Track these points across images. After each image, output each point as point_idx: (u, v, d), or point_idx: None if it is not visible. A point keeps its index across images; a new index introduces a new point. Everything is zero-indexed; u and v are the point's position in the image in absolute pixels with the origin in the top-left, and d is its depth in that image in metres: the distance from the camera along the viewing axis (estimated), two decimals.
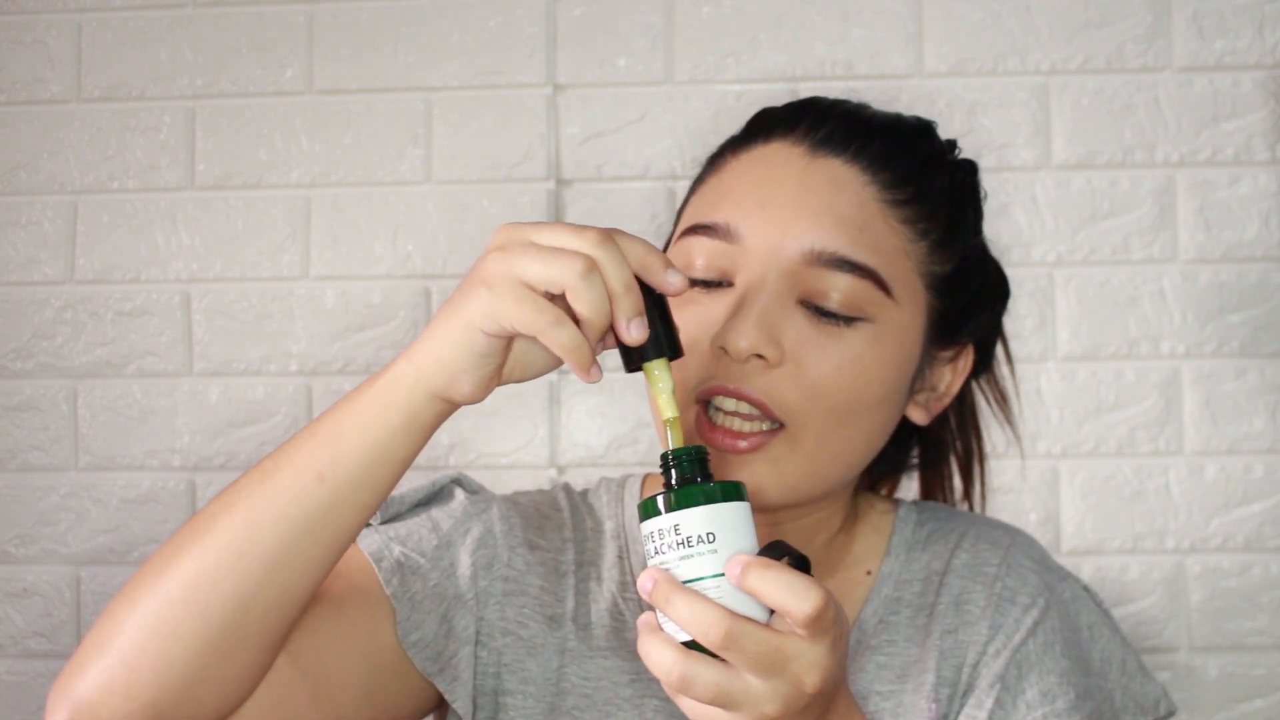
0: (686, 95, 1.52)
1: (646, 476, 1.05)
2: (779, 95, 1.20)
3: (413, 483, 0.98)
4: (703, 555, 0.73)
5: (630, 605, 0.97)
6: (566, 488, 1.05)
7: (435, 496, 1.00)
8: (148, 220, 1.55)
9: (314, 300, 1.53)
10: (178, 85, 1.55)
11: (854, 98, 1.01)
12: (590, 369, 0.76)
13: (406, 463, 0.80)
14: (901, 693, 0.94)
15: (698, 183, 1.00)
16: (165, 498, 1.53)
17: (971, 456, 1.12)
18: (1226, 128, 1.48)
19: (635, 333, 0.75)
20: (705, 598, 0.72)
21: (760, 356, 0.87)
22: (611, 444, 1.52)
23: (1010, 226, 1.49)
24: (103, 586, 1.52)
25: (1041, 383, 1.49)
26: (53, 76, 1.56)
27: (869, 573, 1.00)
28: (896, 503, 1.05)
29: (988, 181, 1.04)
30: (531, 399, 1.51)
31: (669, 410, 0.78)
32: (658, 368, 0.78)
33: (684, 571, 0.73)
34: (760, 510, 0.85)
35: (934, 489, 1.14)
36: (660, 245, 0.97)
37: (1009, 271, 1.09)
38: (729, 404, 0.89)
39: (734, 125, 1.02)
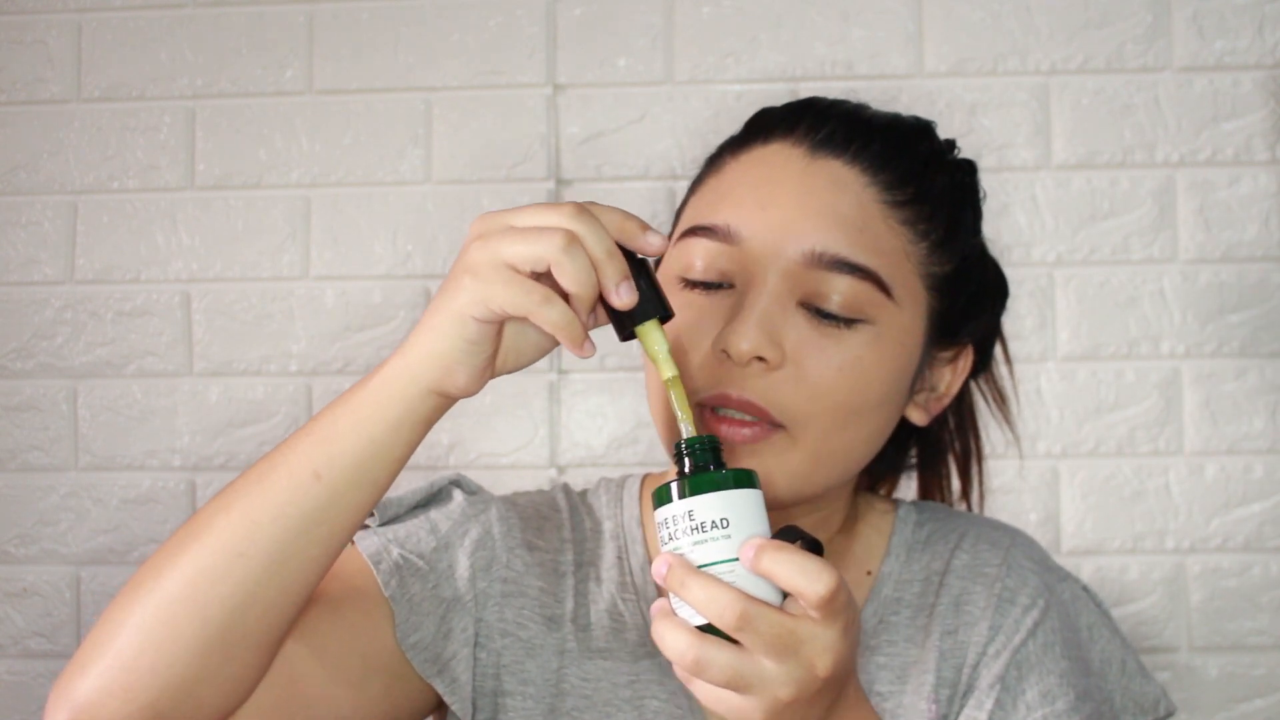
0: (686, 95, 1.52)
1: (646, 477, 1.05)
2: (779, 95, 1.20)
3: (411, 483, 0.98)
4: (716, 540, 0.74)
5: (629, 606, 0.97)
6: (565, 488, 1.05)
7: (434, 498, 1.00)
8: (148, 220, 1.55)
9: (314, 300, 1.53)
10: (178, 85, 1.55)
11: (854, 98, 1.01)
12: (584, 344, 0.76)
13: (403, 460, 0.80)
14: (901, 693, 0.94)
15: (697, 183, 1.00)
16: (165, 498, 1.53)
17: (970, 457, 1.12)
18: (1226, 128, 1.48)
19: (625, 296, 0.76)
20: (720, 581, 0.72)
21: (761, 359, 0.87)
22: (611, 444, 1.52)
23: (1010, 226, 1.49)
24: (103, 586, 1.52)
25: (1041, 383, 1.49)
26: (53, 76, 1.56)
27: (869, 573, 1.00)
28: (896, 503, 1.05)
29: (988, 181, 1.04)
30: (531, 399, 1.51)
31: (668, 369, 0.79)
32: (651, 329, 0.79)
33: (698, 556, 0.74)
34: (768, 504, 0.85)
35: (932, 489, 1.14)
36: None
37: (1009, 271, 1.09)
38: (731, 412, 0.89)
39: (734, 125, 1.02)
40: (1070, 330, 1.49)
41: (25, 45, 1.56)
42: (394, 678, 0.90)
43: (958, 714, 0.93)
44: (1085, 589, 1.03)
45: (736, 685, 0.72)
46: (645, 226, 0.78)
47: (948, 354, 0.99)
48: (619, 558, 0.99)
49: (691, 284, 0.91)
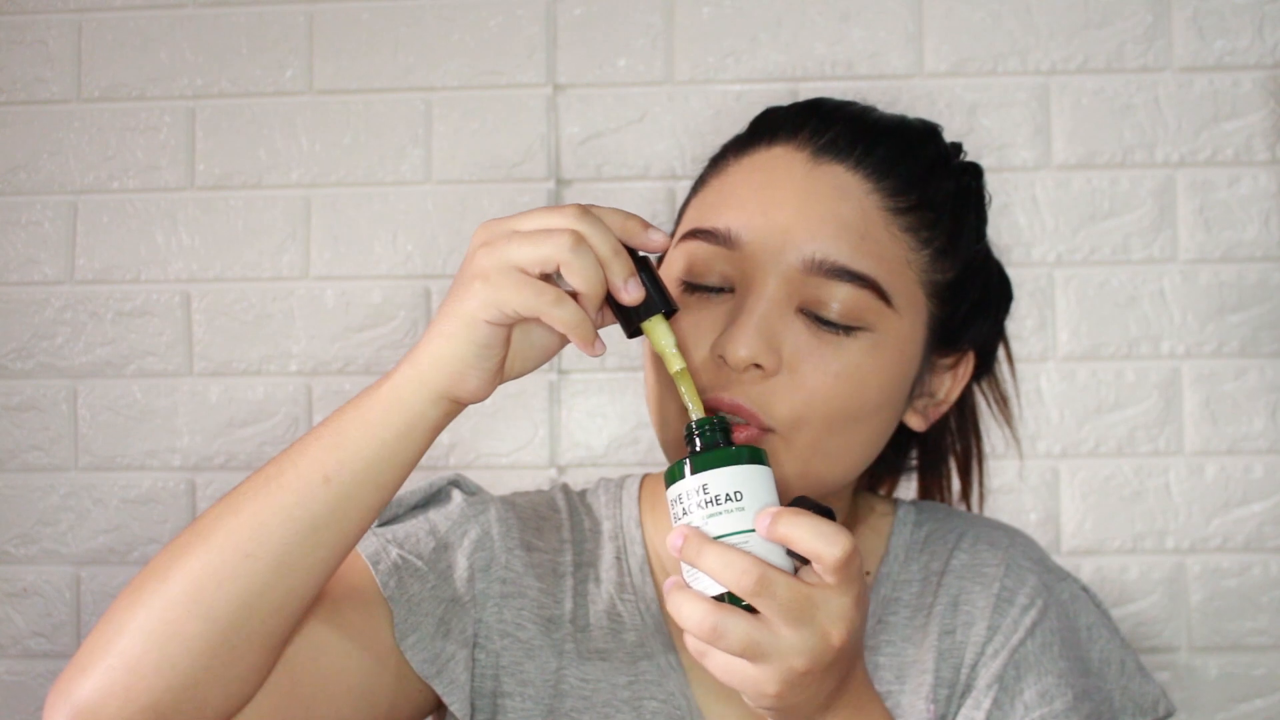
0: (686, 95, 1.52)
1: (645, 477, 1.05)
2: (779, 95, 1.20)
3: (412, 483, 0.98)
4: (730, 513, 0.75)
5: (628, 606, 0.97)
6: (565, 488, 1.05)
7: (433, 498, 1.00)
8: (148, 220, 1.55)
9: (314, 300, 1.53)
10: (178, 85, 1.55)
11: (854, 98, 1.01)
12: (594, 342, 0.79)
13: (411, 465, 0.82)
14: (900, 693, 0.94)
15: (699, 183, 0.99)
16: (165, 498, 1.53)
17: (970, 458, 1.12)
18: (1226, 128, 1.48)
19: (633, 291, 0.78)
20: (736, 548, 0.73)
21: (758, 366, 0.87)
22: (611, 444, 1.52)
23: (1010, 226, 1.49)
24: (103, 587, 1.52)
25: (1041, 383, 1.49)
26: (53, 76, 1.56)
27: (868, 573, 1.00)
28: (895, 503, 1.05)
29: (988, 181, 1.04)
30: (531, 399, 1.51)
31: (676, 362, 0.81)
32: (658, 323, 0.81)
33: (712, 528, 0.75)
34: None
35: (932, 490, 1.14)
36: None
37: (1009, 272, 1.08)
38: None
39: (734, 125, 1.02)
40: (1070, 330, 1.49)
41: (25, 45, 1.56)
42: (393, 678, 0.90)
43: (955, 714, 0.93)
44: (1084, 589, 1.03)
45: (752, 654, 0.73)
46: (646, 225, 0.80)
47: (948, 360, 0.99)
48: (618, 558, 0.99)
49: (692, 288, 0.91)
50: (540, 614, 0.96)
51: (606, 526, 1.01)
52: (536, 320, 0.78)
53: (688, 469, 0.76)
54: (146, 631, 0.77)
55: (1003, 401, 1.12)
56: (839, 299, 0.88)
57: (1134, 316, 1.48)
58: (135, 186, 1.55)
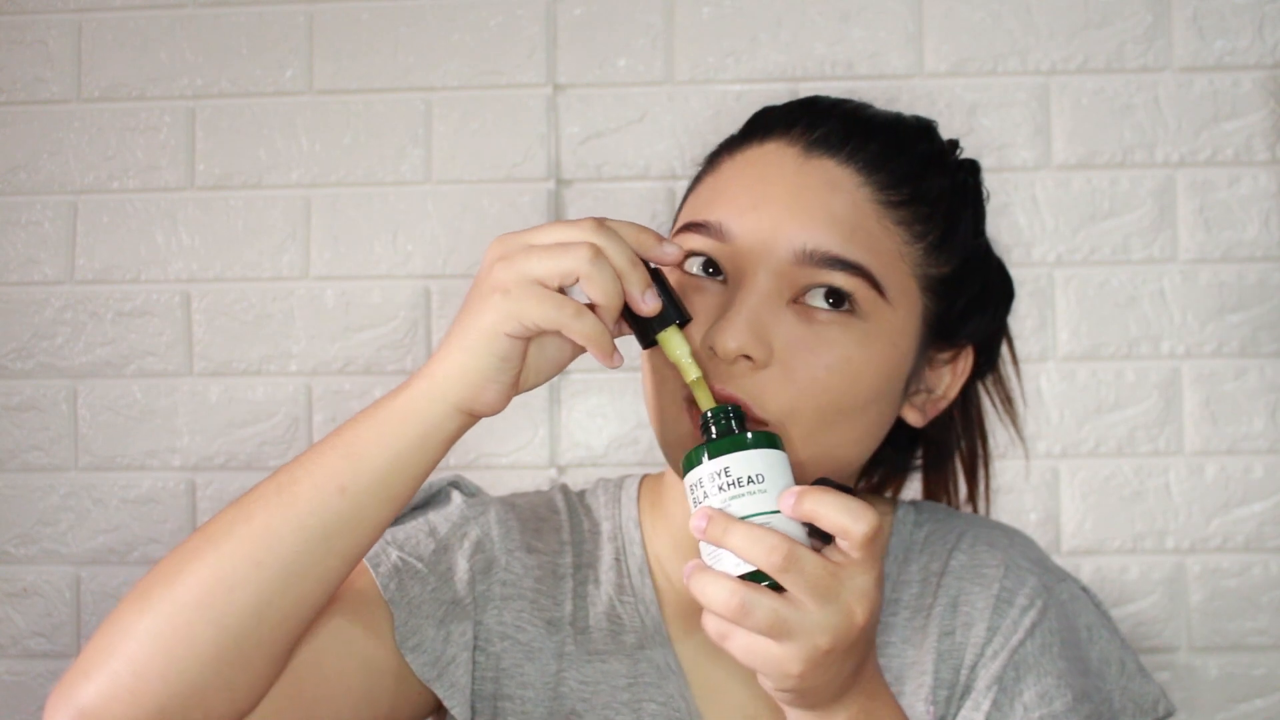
0: (686, 95, 1.52)
1: (645, 478, 1.05)
2: (779, 95, 1.19)
3: None
4: (753, 494, 0.75)
5: (627, 607, 0.97)
6: (564, 489, 1.05)
7: (432, 500, 1.00)
8: (148, 220, 1.55)
9: (314, 300, 1.53)
10: (178, 85, 1.55)
11: (854, 98, 1.01)
12: (613, 354, 0.80)
13: (424, 477, 0.82)
14: (899, 695, 0.94)
15: (695, 182, 1.00)
16: (165, 498, 1.53)
17: (976, 459, 1.12)
18: (1226, 128, 1.48)
19: (651, 303, 0.80)
20: (761, 526, 0.74)
21: (748, 358, 0.87)
22: (611, 444, 1.52)
23: (1010, 226, 1.49)
24: (103, 587, 1.52)
25: (1041, 383, 1.49)
26: (53, 76, 1.56)
27: None
28: (895, 503, 1.05)
29: (988, 181, 1.03)
30: (531, 399, 1.51)
31: (692, 371, 0.82)
32: (673, 334, 0.82)
33: (734, 510, 0.75)
34: None
35: (937, 491, 1.13)
36: None
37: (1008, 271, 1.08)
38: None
39: (734, 125, 1.02)
40: (1070, 330, 1.49)
41: (25, 45, 1.56)
42: (393, 681, 0.90)
43: (955, 715, 0.93)
44: (1084, 589, 1.03)
45: (778, 631, 0.73)
46: (660, 238, 0.82)
47: (945, 355, 0.98)
48: (617, 559, 0.99)
49: (684, 274, 0.92)
50: (540, 616, 0.96)
51: (606, 527, 1.01)
52: (555, 333, 0.79)
53: (705, 455, 0.77)
54: (154, 636, 0.77)
55: (1007, 401, 1.12)
56: (831, 288, 0.88)
57: (1134, 316, 1.48)
58: (135, 186, 1.55)
